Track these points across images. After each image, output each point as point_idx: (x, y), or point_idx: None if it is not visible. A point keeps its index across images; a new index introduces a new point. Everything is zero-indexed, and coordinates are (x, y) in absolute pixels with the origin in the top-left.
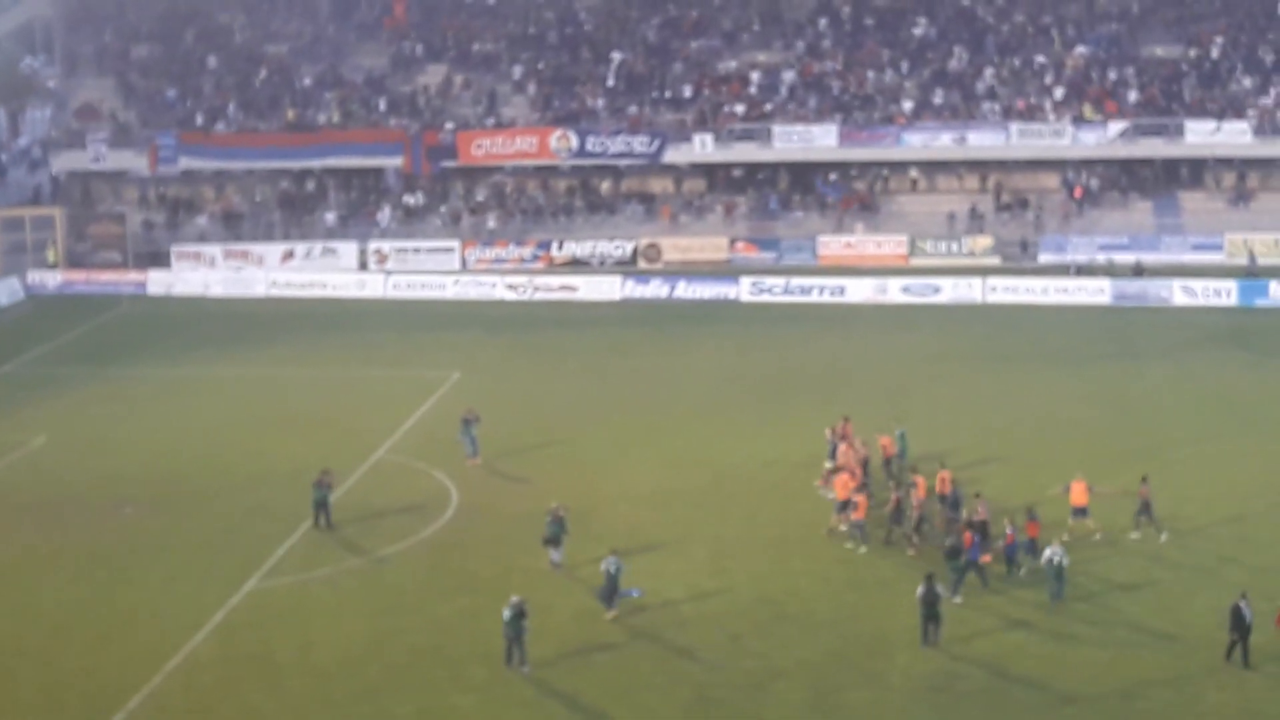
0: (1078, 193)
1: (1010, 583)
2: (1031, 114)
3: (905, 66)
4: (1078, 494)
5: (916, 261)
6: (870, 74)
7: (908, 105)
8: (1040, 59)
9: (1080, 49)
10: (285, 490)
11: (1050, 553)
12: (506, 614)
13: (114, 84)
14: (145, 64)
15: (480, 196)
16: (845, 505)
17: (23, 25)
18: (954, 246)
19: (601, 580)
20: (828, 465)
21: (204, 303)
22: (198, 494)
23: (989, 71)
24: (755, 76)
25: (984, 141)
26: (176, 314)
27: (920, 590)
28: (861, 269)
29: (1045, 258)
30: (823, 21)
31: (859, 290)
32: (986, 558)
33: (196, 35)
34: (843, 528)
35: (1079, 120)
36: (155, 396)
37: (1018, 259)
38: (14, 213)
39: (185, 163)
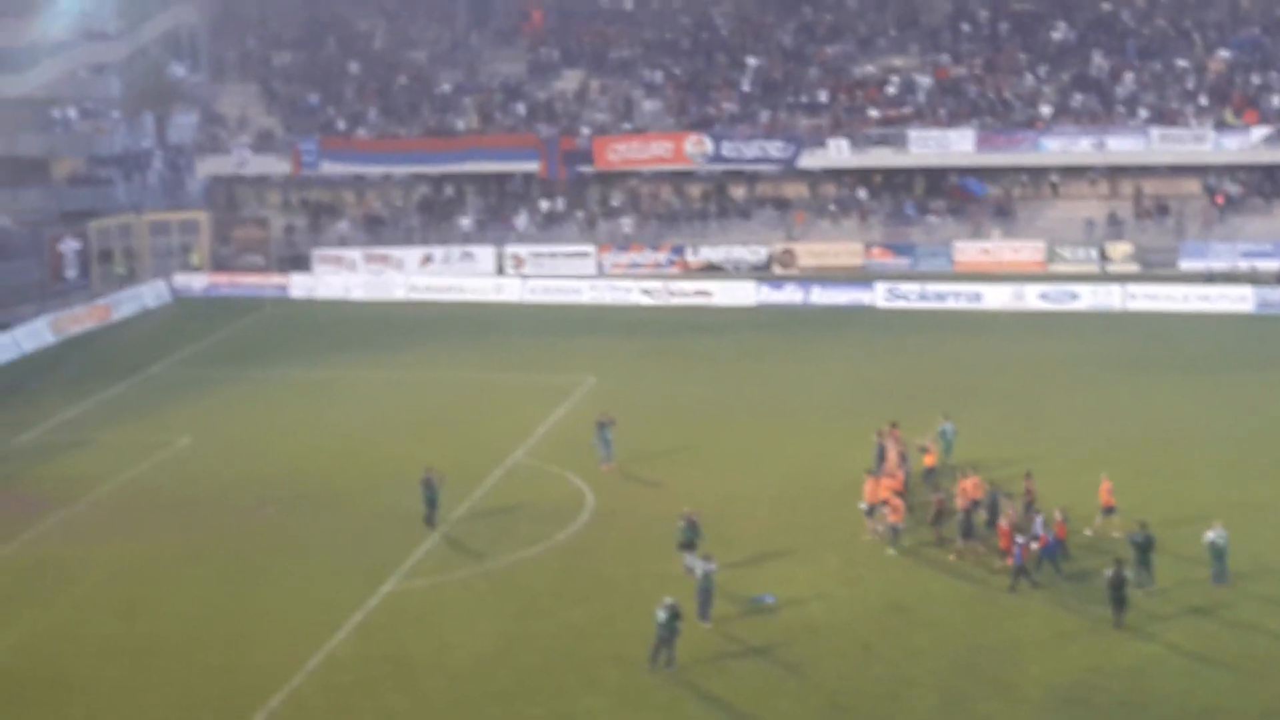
0: (1219, 199)
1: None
2: (1172, 119)
3: (1044, 71)
4: (1105, 493)
5: (1054, 268)
6: (1008, 78)
7: (1046, 110)
8: (1181, 63)
9: (1222, 53)
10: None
11: (1213, 535)
12: (662, 615)
13: (258, 90)
14: (288, 70)
15: (615, 201)
16: (872, 510)
17: (169, 32)
18: (1092, 253)
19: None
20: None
21: (344, 306)
22: (337, 495)
23: (1129, 76)
24: (892, 81)
25: (1124, 147)
26: (317, 317)
27: (1109, 574)
28: (998, 275)
29: (1186, 264)
30: (960, 26)
31: (996, 296)
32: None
33: (338, 42)
34: (879, 529)
35: (1221, 125)
36: (296, 398)
37: (1156, 266)
38: (161, 217)
39: (327, 167)
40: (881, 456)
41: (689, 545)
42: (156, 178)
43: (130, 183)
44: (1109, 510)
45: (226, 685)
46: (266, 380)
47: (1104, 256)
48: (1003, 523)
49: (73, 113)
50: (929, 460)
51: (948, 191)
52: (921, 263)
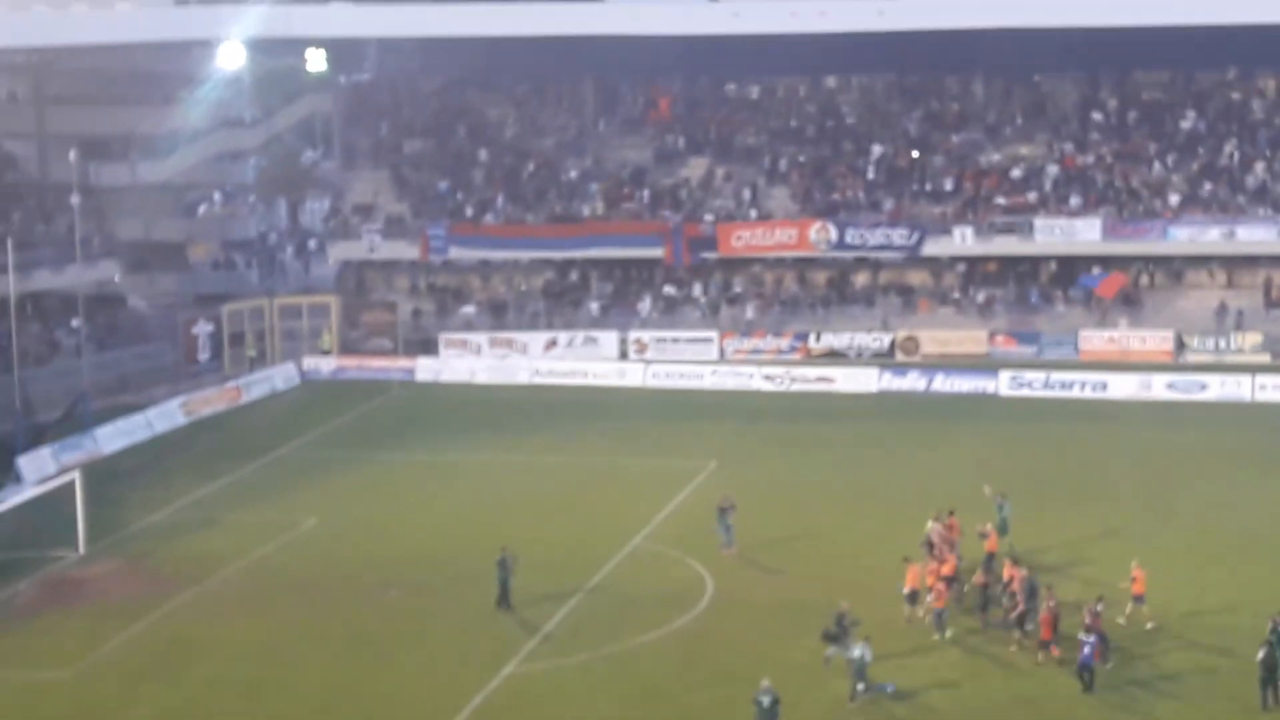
0: None
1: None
2: None
3: (1172, 160)
4: (1137, 582)
5: (1182, 358)
6: (1136, 167)
7: (1174, 199)
8: None
9: None
10: (543, 575)
11: None
12: (765, 700)
13: (388, 176)
14: (418, 157)
15: (738, 287)
16: (914, 596)
17: (304, 120)
18: (1221, 343)
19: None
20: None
21: (469, 389)
22: (459, 577)
23: (1259, 165)
24: (1017, 169)
25: (1254, 236)
26: (443, 400)
27: (1261, 654)
28: (1125, 364)
29: None
30: (1089, 114)
31: (1122, 386)
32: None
33: (468, 130)
34: (920, 614)
35: None
36: (421, 481)
37: None
38: (292, 301)
39: (455, 253)
40: (931, 547)
41: (834, 639)
42: (288, 262)
43: (263, 267)
44: (1139, 599)
45: None
46: (392, 463)
47: (1232, 347)
48: (1045, 613)
49: (210, 198)
50: (989, 546)
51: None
52: (1046, 351)
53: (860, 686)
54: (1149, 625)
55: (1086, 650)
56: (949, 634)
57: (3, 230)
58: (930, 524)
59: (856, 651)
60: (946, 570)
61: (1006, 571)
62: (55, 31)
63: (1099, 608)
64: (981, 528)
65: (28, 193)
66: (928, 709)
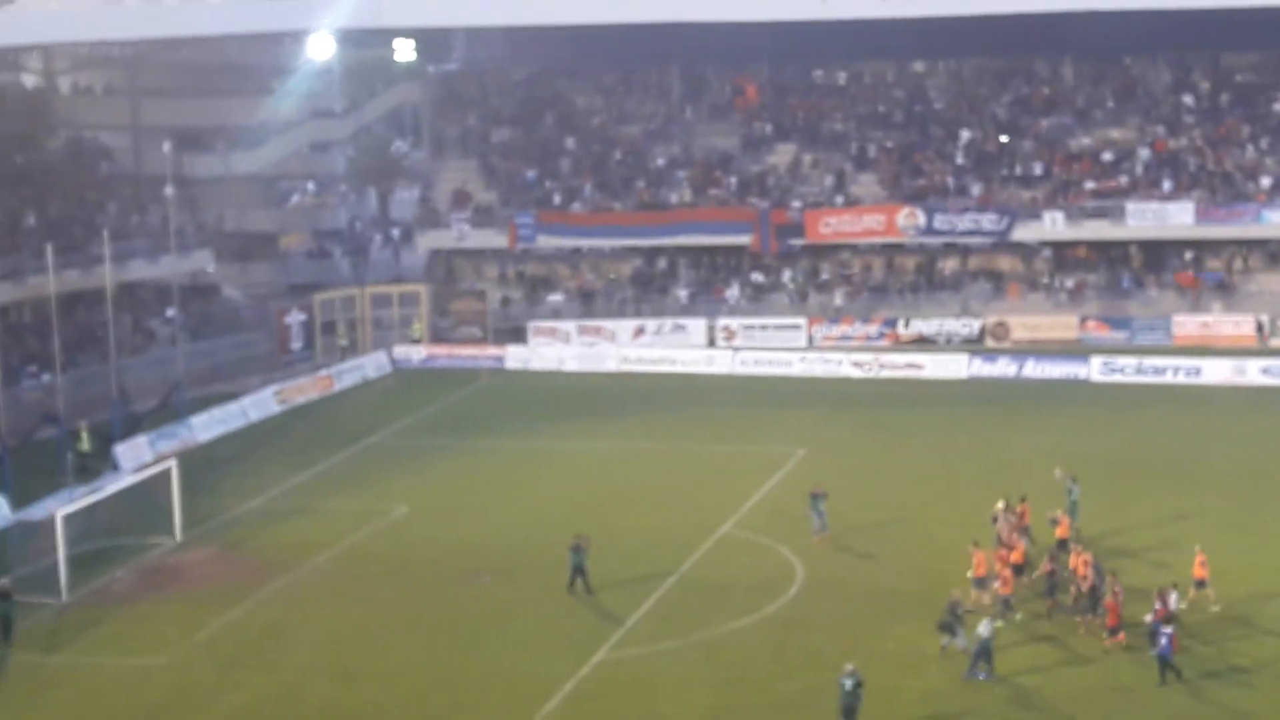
0: None
1: None
2: None
3: (1265, 143)
4: (1199, 566)
5: (1276, 342)
6: (1229, 150)
7: (1266, 182)
8: None
9: None
10: (633, 562)
11: None
12: (848, 683)
13: (477, 166)
14: (506, 146)
15: (826, 274)
16: (982, 582)
17: (393, 110)
18: None
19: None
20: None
21: (558, 377)
22: (549, 564)
23: None
24: (1108, 153)
25: None
26: (532, 388)
27: None
28: (1218, 349)
29: None
30: (1180, 98)
31: (1215, 371)
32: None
33: (555, 119)
34: (986, 600)
35: None
36: (510, 468)
37: None
38: (382, 290)
39: (543, 241)
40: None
41: (948, 629)
42: (378, 251)
43: (353, 256)
44: (1201, 583)
45: None
46: (482, 450)
47: None
48: (1109, 599)
49: (302, 189)
50: (1061, 532)
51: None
52: (1138, 336)
53: (978, 664)
54: (1214, 608)
55: (1164, 642)
56: (1018, 617)
57: (99, 221)
58: (998, 505)
59: (984, 629)
60: (1015, 558)
61: (1073, 560)
62: (149, 25)
63: (1171, 596)
64: (1053, 514)
65: (123, 184)
66: (1023, 693)
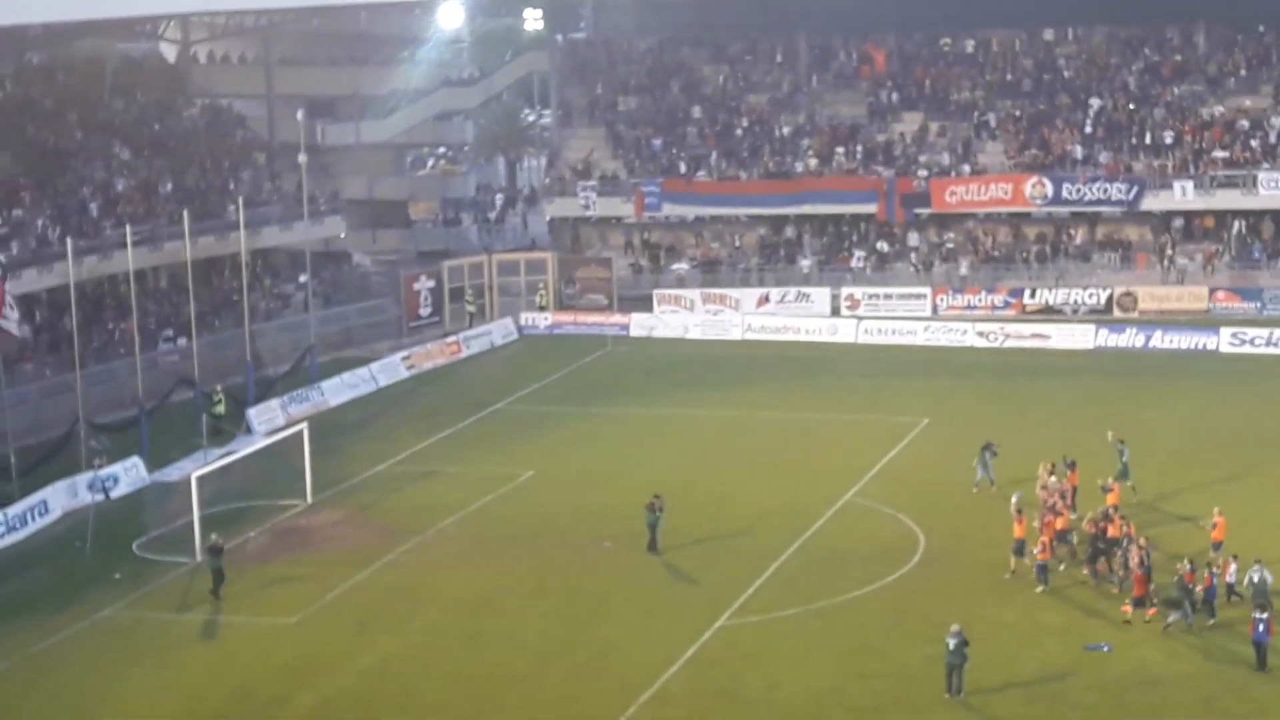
0: None
1: None
2: None
3: None
4: (1219, 529)
5: None
6: None
7: None
8: None
9: None
10: (756, 530)
11: None
12: (952, 643)
13: (604, 134)
14: (633, 115)
15: (951, 243)
16: (1021, 547)
17: (522, 79)
18: None
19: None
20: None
21: (682, 345)
22: (670, 530)
23: None
24: (1241, 121)
25: None
26: (656, 356)
27: None
28: None
29: None
30: None
31: None
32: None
33: (682, 87)
34: (1027, 564)
35: None
36: (635, 435)
37: None
38: (509, 257)
39: (668, 209)
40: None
41: (1175, 604)
42: (506, 219)
43: (481, 224)
44: (1217, 546)
45: (566, 715)
46: (607, 417)
47: None
48: (1136, 570)
49: (432, 156)
50: (1111, 499)
51: None
52: (1269, 308)
53: (1259, 613)
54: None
55: (1260, 628)
56: (1038, 590)
57: (234, 188)
58: (1041, 471)
59: (1256, 575)
60: (1060, 524)
61: (1113, 529)
62: None
63: (1231, 564)
64: (1104, 481)
65: (257, 152)
66: (1143, 669)
